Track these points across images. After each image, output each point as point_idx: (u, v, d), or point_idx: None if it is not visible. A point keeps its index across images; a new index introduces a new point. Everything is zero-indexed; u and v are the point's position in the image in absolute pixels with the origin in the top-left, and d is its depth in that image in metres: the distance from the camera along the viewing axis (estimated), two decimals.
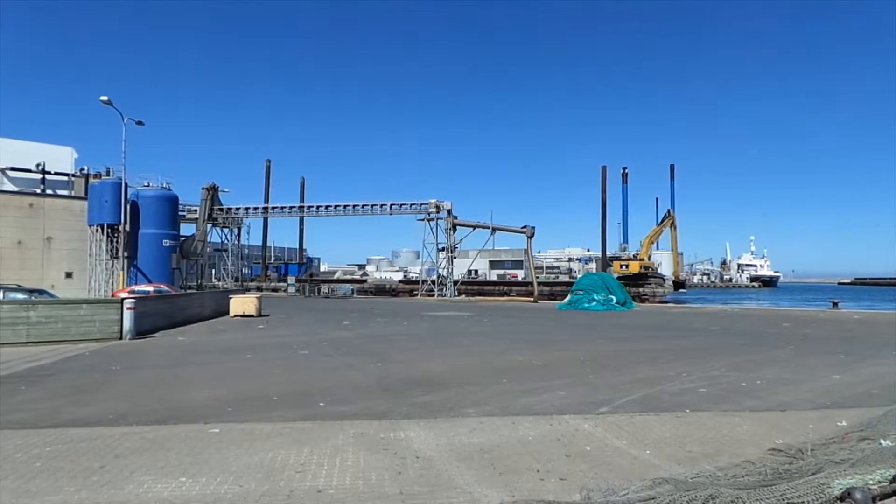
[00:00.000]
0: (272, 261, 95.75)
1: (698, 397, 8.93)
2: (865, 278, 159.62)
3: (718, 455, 5.95)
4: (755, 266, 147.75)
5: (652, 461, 5.76)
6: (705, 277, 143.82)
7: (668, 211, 65.75)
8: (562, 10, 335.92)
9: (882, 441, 5.58)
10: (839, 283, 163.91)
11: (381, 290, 65.83)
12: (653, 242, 63.86)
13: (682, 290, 65.15)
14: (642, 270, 56.09)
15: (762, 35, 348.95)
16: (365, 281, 75.12)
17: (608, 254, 79.00)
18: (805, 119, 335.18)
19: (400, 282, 74.02)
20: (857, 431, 6.21)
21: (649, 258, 61.94)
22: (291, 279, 70.88)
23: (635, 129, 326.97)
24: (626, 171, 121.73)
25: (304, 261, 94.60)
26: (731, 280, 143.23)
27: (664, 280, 61.45)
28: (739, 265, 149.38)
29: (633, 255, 64.75)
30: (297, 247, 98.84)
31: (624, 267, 56.74)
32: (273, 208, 62.70)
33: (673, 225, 62.88)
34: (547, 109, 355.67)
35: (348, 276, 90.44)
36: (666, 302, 50.83)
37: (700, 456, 5.94)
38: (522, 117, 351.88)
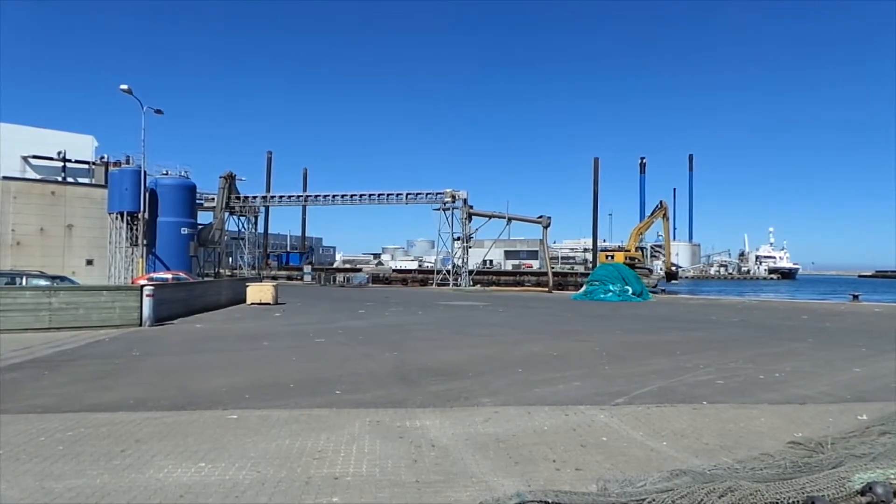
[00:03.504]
0: (273, 249, 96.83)
1: (715, 389, 8.86)
2: (887, 271, 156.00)
3: (736, 448, 5.90)
4: (774, 258, 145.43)
5: (669, 453, 5.74)
6: (723, 269, 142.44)
7: (661, 201, 63.98)
8: None
9: None
10: (860, 276, 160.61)
11: (376, 279, 66.39)
12: (642, 234, 62.79)
13: (674, 282, 63.92)
14: (627, 261, 55.64)
15: (780, 26, 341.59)
16: (360, 270, 76.03)
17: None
18: (826, 109, 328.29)
19: (394, 271, 74.92)
20: (877, 426, 6.12)
21: (637, 249, 61.04)
22: (307, 268, 71.75)
23: (654, 120, 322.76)
24: (644, 160, 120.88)
25: (307, 249, 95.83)
26: (749, 272, 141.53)
27: (651, 271, 60.90)
28: (758, 257, 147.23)
29: (619, 246, 64.01)
30: (311, 236, 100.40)
31: (609, 258, 56.19)
32: (290, 197, 62.97)
33: (665, 216, 61.72)
34: (564, 99, 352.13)
35: (348, 266, 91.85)
36: (655, 292, 50.38)
37: (717, 448, 5.90)
38: (539, 107, 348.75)
